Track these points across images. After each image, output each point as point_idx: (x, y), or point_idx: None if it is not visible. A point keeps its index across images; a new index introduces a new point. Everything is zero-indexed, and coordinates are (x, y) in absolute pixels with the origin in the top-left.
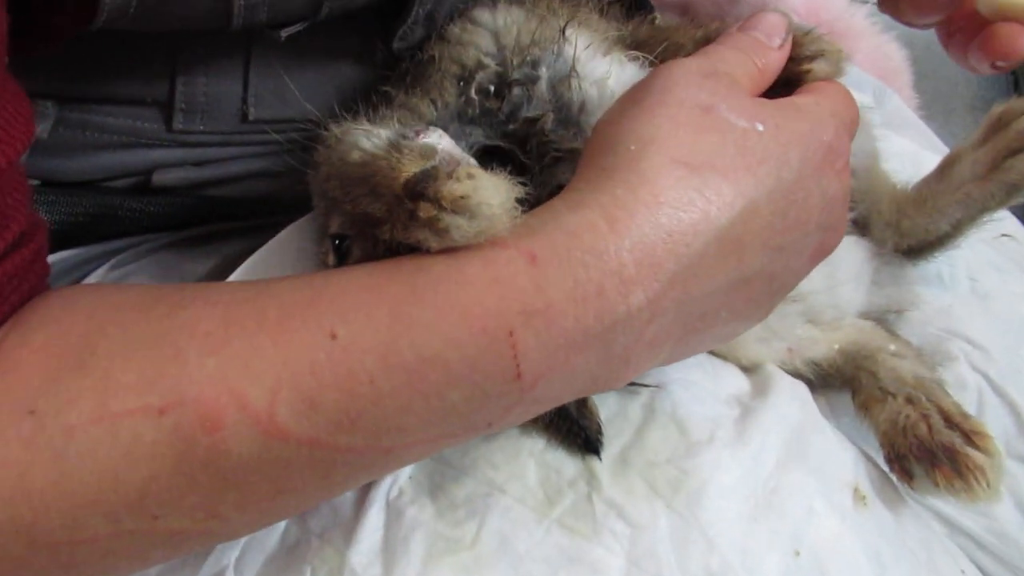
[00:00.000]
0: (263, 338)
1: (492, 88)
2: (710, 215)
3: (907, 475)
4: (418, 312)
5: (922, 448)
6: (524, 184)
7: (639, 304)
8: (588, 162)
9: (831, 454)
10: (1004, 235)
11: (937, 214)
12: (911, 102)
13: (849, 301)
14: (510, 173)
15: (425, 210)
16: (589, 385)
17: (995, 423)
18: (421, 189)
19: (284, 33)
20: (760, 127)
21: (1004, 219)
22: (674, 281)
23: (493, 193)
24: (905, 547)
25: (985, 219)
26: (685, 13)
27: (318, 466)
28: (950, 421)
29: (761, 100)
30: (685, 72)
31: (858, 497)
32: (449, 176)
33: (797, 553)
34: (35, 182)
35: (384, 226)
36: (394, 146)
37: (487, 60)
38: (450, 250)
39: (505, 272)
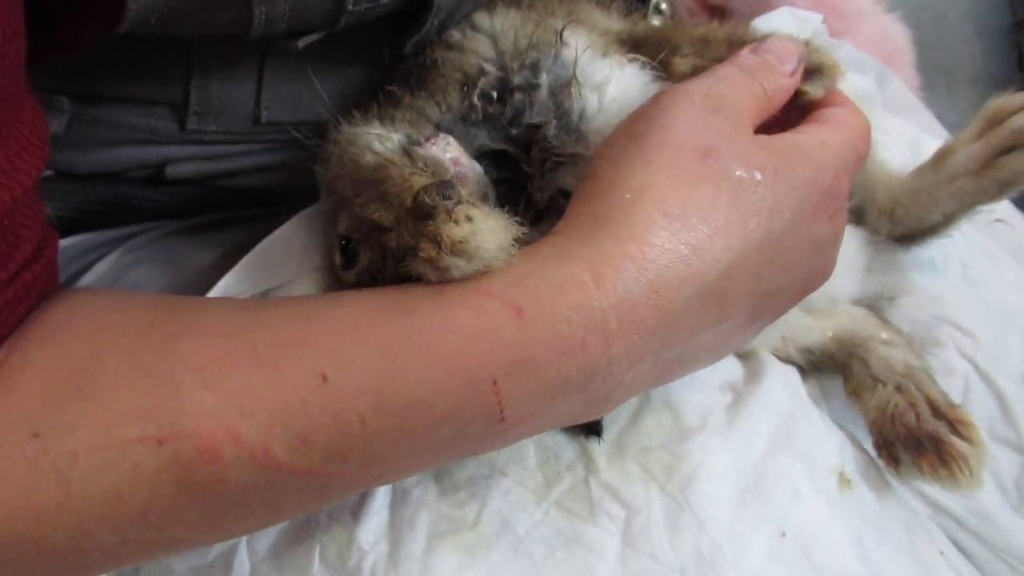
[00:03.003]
0: (256, 375)
1: (495, 93)
2: (697, 271)
3: (894, 461)
4: (406, 358)
5: (909, 436)
6: (521, 224)
7: (619, 355)
8: (581, 204)
9: (818, 440)
10: (998, 220)
11: (931, 205)
12: (912, 82)
13: (843, 290)
14: (514, 174)
15: (426, 250)
16: (569, 421)
17: (980, 408)
18: (429, 214)
19: (301, 43)
20: (758, 176)
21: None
22: (655, 333)
23: (490, 236)
24: (887, 529)
25: (978, 211)
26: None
27: (313, 489)
28: (937, 410)
29: (764, 141)
30: (688, 107)
31: (843, 481)
32: (449, 217)
33: (783, 535)
34: (50, 173)
35: (391, 234)
36: (406, 152)
37: (488, 66)
38: (441, 291)
39: (491, 324)
